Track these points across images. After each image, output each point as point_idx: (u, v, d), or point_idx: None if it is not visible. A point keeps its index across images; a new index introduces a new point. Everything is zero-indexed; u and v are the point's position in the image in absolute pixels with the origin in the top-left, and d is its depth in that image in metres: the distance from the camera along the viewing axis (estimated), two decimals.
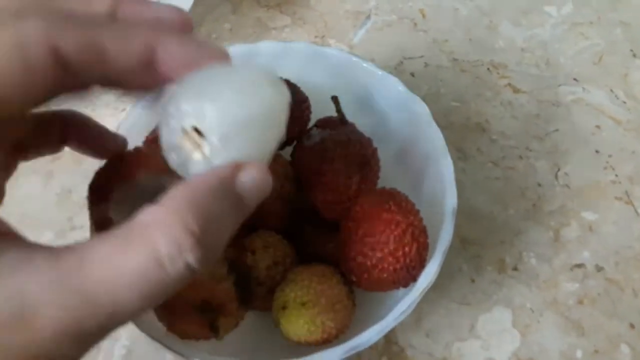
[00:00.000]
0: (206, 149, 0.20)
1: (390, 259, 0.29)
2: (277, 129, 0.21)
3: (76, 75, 0.19)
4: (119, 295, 0.16)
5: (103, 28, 0.19)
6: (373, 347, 0.36)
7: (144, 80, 0.22)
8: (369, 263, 0.29)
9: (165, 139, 0.21)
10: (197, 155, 0.20)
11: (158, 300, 0.17)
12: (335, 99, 0.35)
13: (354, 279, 0.30)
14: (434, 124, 0.35)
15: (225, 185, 0.19)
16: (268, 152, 0.21)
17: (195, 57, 0.21)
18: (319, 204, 0.33)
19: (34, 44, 0.18)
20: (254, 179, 0.19)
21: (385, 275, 0.29)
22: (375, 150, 0.34)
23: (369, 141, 0.34)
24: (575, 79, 0.50)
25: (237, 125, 0.20)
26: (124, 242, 0.17)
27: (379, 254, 0.29)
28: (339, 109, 0.35)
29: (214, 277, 0.27)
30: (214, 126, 0.20)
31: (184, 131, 0.20)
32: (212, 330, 0.27)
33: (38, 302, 0.15)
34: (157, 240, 0.16)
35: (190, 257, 0.17)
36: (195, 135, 0.20)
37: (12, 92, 0.18)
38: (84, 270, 0.16)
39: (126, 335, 0.38)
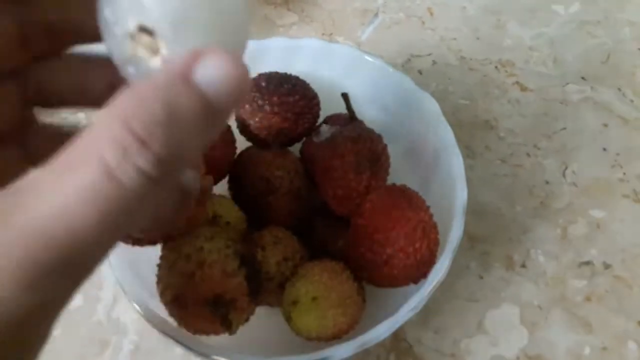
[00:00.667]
0: (163, 50, 0.17)
1: (401, 255, 0.29)
2: (240, 9, 0.18)
3: None
4: (72, 220, 0.14)
5: None
6: (381, 344, 0.36)
7: None
8: (379, 259, 0.29)
9: (116, 53, 0.18)
10: (155, 61, 0.17)
11: (122, 218, 0.14)
12: (345, 96, 0.35)
13: (364, 275, 0.30)
14: (444, 121, 0.35)
15: (175, 80, 0.15)
16: (240, 40, 0.18)
17: None
18: (329, 199, 0.33)
19: None
20: (218, 67, 0.15)
21: (395, 271, 0.29)
22: (385, 146, 0.34)
23: (379, 138, 0.34)
24: (583, 78, 0.50)
25: (189, 7, 0.16)
26: (67, 161, 0.14)
27: (389, 250, 0.29)
28: (349, 106, 0.35)
29: (225, 271, 0.27)
30: (160, 15, 0.16)
31: (132, 36, 0.17)
32: (225, 325, 0.27)
33: None
34: (103, 149, 0.14)
35: (140, 160, 0.14)
36: (144, 36, 0.17)
37: None
38: (24, 202, 0.14)
39: (134, 331, 0.38)
